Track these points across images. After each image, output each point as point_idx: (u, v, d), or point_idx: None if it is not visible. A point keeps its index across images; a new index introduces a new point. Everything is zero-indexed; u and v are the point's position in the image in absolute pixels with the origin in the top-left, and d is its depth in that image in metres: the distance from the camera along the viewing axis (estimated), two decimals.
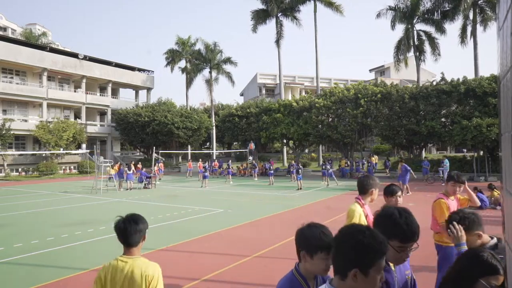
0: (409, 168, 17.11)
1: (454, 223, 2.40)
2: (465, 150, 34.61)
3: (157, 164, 26.04)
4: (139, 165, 24.36)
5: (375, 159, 28.82)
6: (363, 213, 3.44)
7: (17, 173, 32.74)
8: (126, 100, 47.35)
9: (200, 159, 29.53)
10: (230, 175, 24.86)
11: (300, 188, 19.02)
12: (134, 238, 2.35)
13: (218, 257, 6.99)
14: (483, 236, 2.42)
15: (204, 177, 21.51)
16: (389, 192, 3.77)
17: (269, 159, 33.18)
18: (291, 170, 24.02)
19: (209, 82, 40.77)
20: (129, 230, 2.32)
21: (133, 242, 2.36)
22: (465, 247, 2.32)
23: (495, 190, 12.60)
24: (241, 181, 25.67)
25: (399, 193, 3.70)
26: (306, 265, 1.85)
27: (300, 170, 19.92)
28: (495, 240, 2.41)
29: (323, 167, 21.95)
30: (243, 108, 37.24)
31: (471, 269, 1.67)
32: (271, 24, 42.30)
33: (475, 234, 2.39)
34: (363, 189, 3.57)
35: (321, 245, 1.80)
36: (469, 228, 2.39)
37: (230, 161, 29.63)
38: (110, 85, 44.05)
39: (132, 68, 47.13)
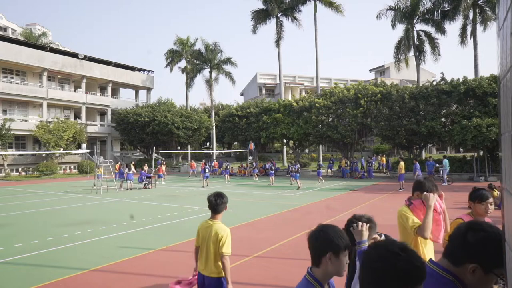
0: (418, 167, 17.46)
1: (360, 223, 2.46)
2: (461, 150, 34.57)
3: (159, 165, 26.01)
4: (145, 166, 23.98)
5: (378, 159, 29.23)
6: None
7: (17, 173, 32.74)
8: (126, 100, 47.36)
9: (203, 160, 29.64)
10: (227, 175, 25.24)
11: (299, 187, 19.34)
12: (220, 208, 3.44)
13: None
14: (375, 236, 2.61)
15: (206, 176, 21.93)
16: (477, 197, 3.09)
17: (269, 159, 33.21)
18: (290, 171, 24.31)
19: (209, 82, 40.77)
20: (217, 201, 3.42)
21: (218, 210, 3.46)
22: (366, 245, 2.37)
23: (495, 190, 12.57)
24: (241, 181, 25.68)
25: (491, 199, 3.06)
26: (329, 268, 1.77)
27: (299, 170, 20.44)
28: (383, 237, 2.59)
29: (318, 167, 23.15)
30: (243, 108, 37.25)
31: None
32: (271, 24, 42.47)
33: (372, 239, 2.55)
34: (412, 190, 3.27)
35: (345, 244, 1.79)
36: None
37: (227, 161, 29.73)
38: (110, 85, 44.06)
39: (132, 68, 47.14)
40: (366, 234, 2.44)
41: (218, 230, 3.37)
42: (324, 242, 1.78)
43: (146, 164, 25.05)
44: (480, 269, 1.41)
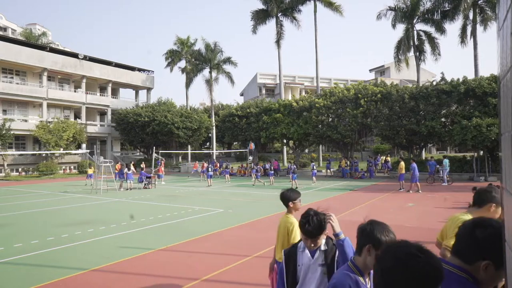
0: (415, 167, 17.51)
1: (332, 216, 2.59)
2: (456, 149, 34.33)
3: (159, 165, 26.07)
4: (142, 165, 24.46)
5: (383, 159, 29.22)
6: None
7: (17, 173, 32.74)
8: (126, 100, 47.37)
9: (206, 160, 29.67)
10: (228, 175, 25.36)
11: (296, 188, 19.34)
12: (285, 202, 3.72)
13: (218, 257, 6.99)
14: None
15: (209, 176, 22.08)
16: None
17: (269, 159, 33.19)
18: (289, 171, 24.48)
19: (209, 82, 40.76)
20: (286, 196, 3.70)
21: (286, 205, 3.70)
22: (343, 236, 2.54)
23: None
24: (241, 181, 25.68)
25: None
26: (368, 259, 1.90)
27: (296, 170, 20.75)
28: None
29: (313, 167, 23.40)
30: (243, 108, 37.24)
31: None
32: (271, 24, 42.50)
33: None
34: (480, 201, 2.77)
35: (388, 241, 1.87)
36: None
37: (227, 161, 29.81)
38: (110, 85, 44.06)
39: (132, 68, 47.13)
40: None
41: (287, 223, 3.70)
42: (368, 234, 1.92)
43: (143, 163, 25.22)
44: (492, 266, 1.40)
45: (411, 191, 16.98)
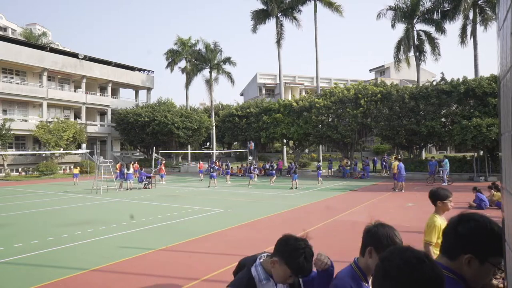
0: (402, 167, 17.54)
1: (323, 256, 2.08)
2: (450, 150, 34.10)
3: (159, 165, 26.08)
4: (136, 165, 24.86)
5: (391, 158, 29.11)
6: None
7: (17, 173, 32.75)
8: (126, 100, 47.37)
9: (215, 160, 29.66)
10: (228, 175, 25.31)
11: (296, 188, 19.57)
12: (433, 200, 3.64)
13: (218, 257, 6.99)
14: None
15: (212, 177, 21.94)
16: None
17: (269, 159, 33.18)
18: (290, 171, 24.46)
19: (209, 82, 40.78)
20: (435, 193, 3.61)
21: (434, 203, 3.64)
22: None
23: (498, 191, 12.48)
24: (241, 181, 25.67)
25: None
26: (370, 261, 1.86)
27: (296, 170, 20.61)
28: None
29: (318, 168, 22.96)
30: (243, 108, 37.23)
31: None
32: (271, 24, 42.54)
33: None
34: None
35: (391, 245, 1.79)
36: None
37: (227, 161, 29.71)
38: (110, 85, 44.06)
39: (132, 68, 47.13)
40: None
41: (429, 221, 3.61)
42: (371, 236, 1.89)
43: (136, 164, 25.45)
44: (475, 259, 1.38)
45: (403, 190, 17.06)
